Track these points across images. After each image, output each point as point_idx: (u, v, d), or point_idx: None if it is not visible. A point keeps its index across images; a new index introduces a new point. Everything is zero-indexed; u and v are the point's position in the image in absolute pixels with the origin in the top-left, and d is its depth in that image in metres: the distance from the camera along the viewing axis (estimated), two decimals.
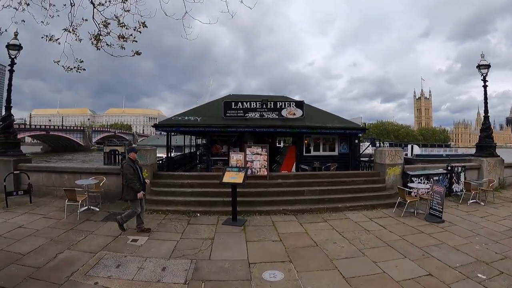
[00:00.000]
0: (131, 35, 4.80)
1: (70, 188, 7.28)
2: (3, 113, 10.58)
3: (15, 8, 6.14)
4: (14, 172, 8.96)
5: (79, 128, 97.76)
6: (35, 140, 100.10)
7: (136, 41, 4.86)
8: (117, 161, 38.99)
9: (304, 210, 7.71)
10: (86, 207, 7.54)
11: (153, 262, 4.84)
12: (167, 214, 7.42)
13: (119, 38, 4.83)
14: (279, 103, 12.36)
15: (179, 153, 18.09)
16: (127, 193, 6.19)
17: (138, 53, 4.94)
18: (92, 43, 4.93)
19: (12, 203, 7.94)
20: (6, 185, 8.08)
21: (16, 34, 9.64)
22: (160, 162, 10.86)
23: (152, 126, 13.50)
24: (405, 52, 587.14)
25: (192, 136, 22.06)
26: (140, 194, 6.10)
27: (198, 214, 7.47)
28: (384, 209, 8.18)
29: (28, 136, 76.04)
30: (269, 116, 12.13)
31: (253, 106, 12.16)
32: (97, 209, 7.68)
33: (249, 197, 8.13)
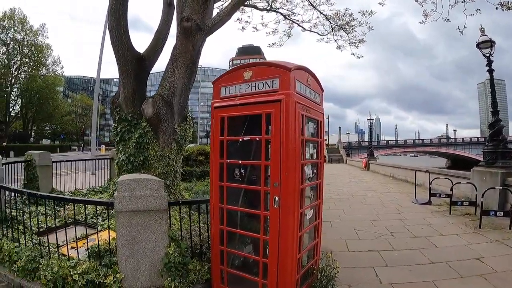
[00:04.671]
0: None
1: None
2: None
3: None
4: (496, 187, 7.54)
5: None
6: None
7: None
8: None
9: None
10: None
11: None
12: None
13: None
14: None
15: None
16: None
17: None
18: None
19: (487, 225, 6.52)
20: (483, 201, 6.88)
21: (482, 30, 8.48)
22: None
23: None
24: None
25: None
26: None
27: None
28: None
29: None
30: None
31: None
32: None
33: None
